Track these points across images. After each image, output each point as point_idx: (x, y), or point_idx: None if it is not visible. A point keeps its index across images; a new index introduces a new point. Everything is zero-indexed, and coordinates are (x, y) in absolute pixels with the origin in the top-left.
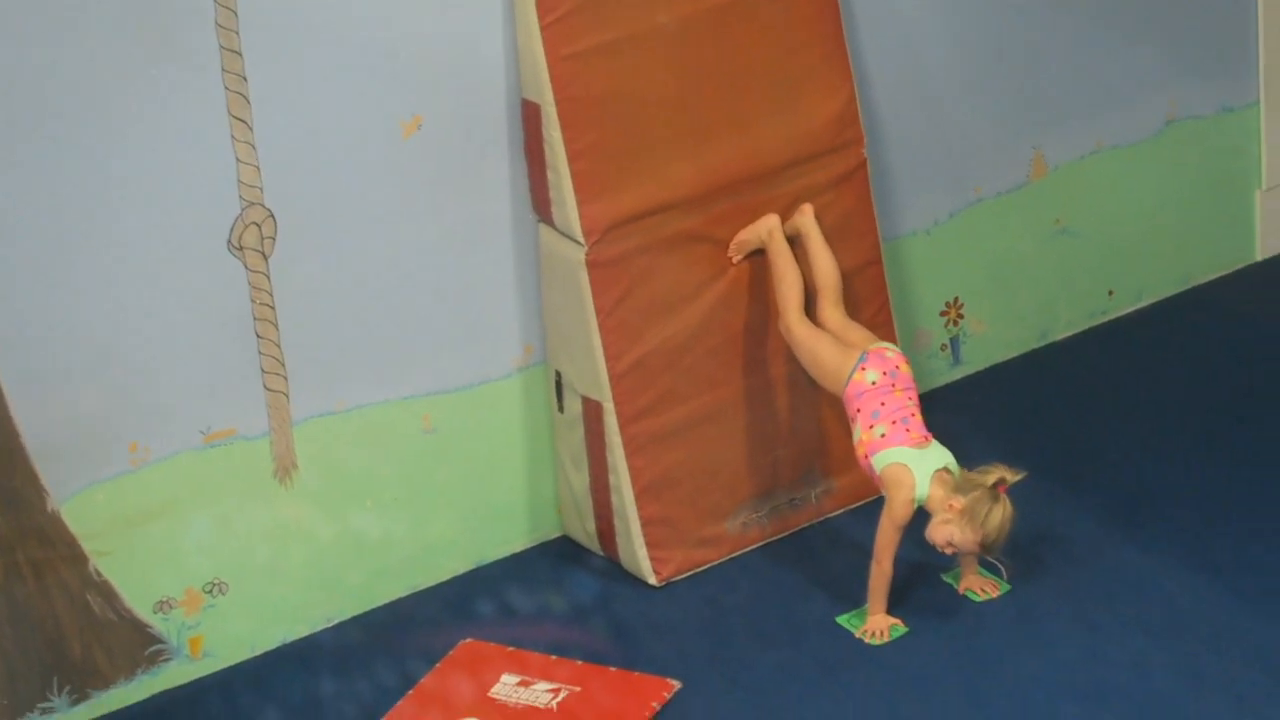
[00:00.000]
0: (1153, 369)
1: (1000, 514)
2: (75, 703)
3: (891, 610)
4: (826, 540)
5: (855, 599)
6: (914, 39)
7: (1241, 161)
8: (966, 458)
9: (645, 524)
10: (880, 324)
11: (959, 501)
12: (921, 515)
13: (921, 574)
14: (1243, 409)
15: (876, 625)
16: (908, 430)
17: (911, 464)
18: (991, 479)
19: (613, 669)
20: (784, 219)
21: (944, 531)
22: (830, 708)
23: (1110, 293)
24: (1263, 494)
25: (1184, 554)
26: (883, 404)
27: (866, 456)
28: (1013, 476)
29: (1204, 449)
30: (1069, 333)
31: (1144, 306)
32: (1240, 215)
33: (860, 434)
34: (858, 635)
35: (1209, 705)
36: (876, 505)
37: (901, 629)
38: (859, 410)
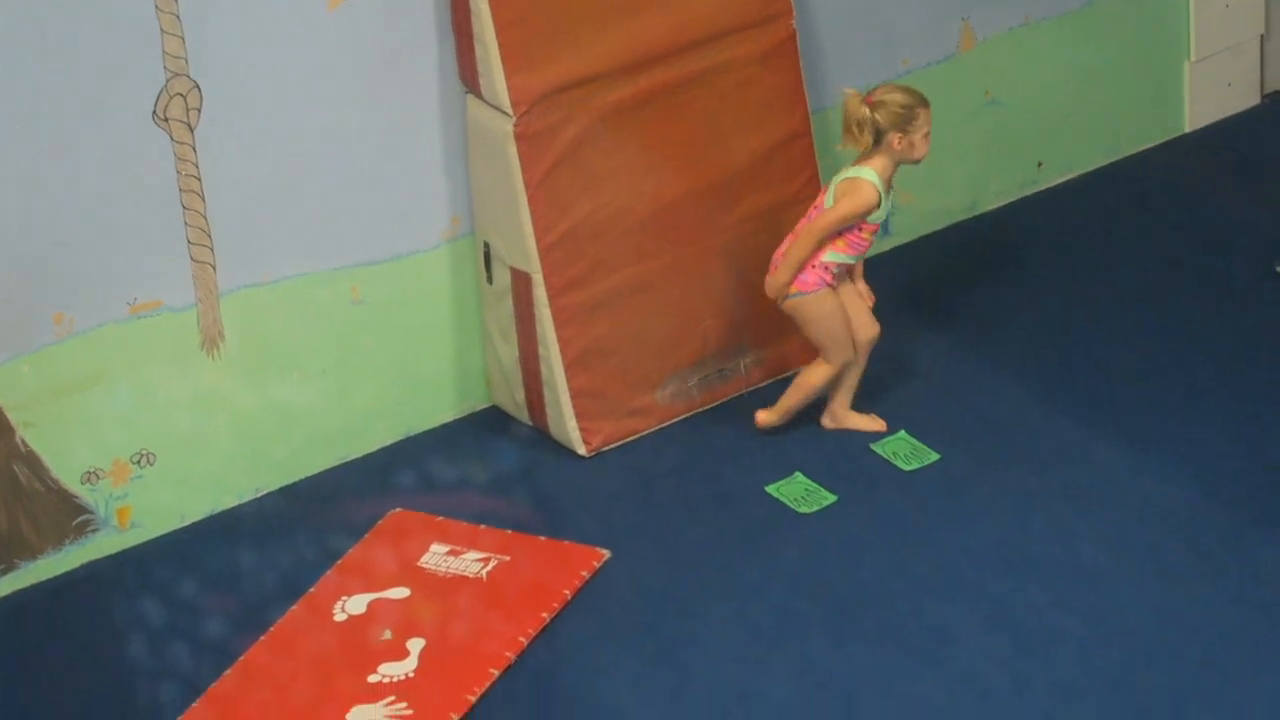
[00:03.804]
0: (1081, 240)
1: (886, 92)
2: (2, 573)
3: (819, 481)
4: (755, 409)
5: (785, 468)
6: None
7: (1170, 33)
8: (895, 327)
9: (575, 395)
10: (809, 195)
11: (894, 136)
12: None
13: (848, 444)
14: (1169, 279)
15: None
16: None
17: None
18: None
19: (542, 538)
20: (718, 90)
21: (921, 147)
22: (756, 576)
23: (1039, 164)
24: (1188, 364)
25: (1111, 424)
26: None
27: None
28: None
29: (1131, 319)
30: (998, 204)
31: (1073, 178)
32: (1169, 87)
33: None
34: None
35: (1133, 576)
36: None
37: (830, 498)
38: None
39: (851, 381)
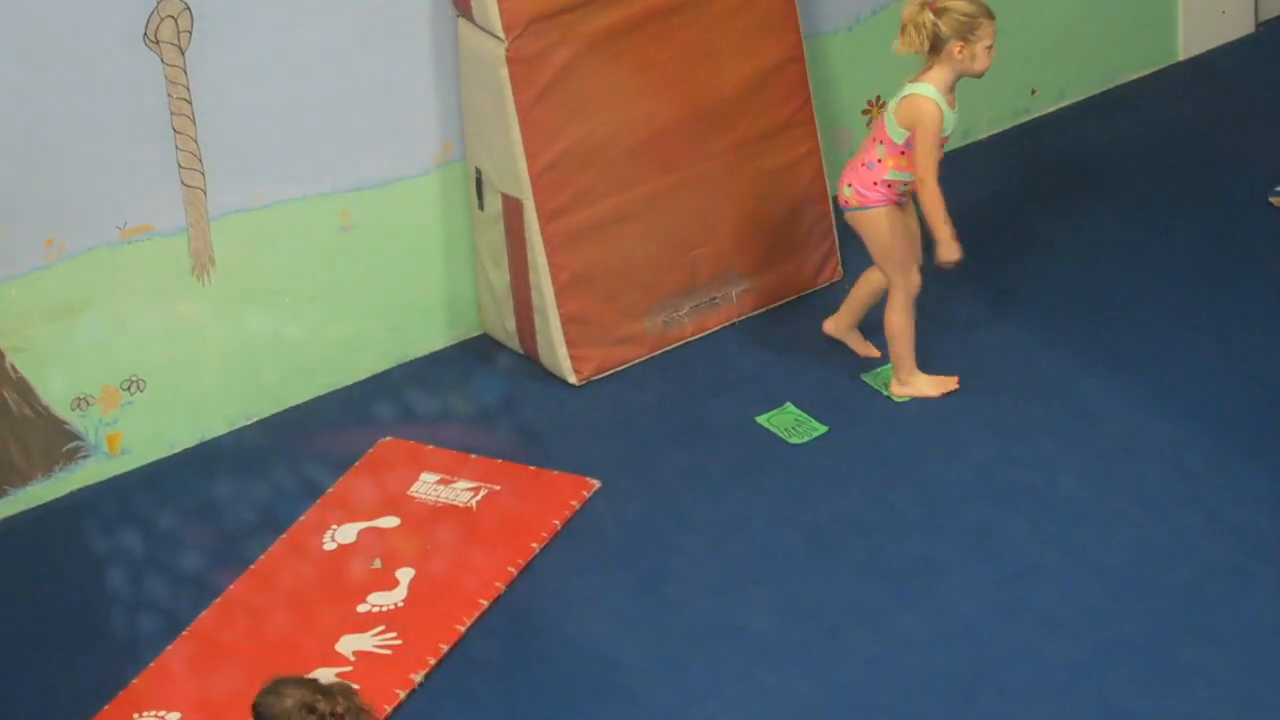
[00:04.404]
0: (1074, 168)
1: None
2: None
3: (808, 410)
4: (747, 340)
5: (775, 399)
6: None
7: None
8: None
9: (565, 322)
10: (801, 121)
11: (955, 44)
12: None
13: (838, 375)
14: (1161, 208)
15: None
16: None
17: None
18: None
19: (532, 468)
20: (710, 14)
21: (983, 59)
22: (743, 508)
23: (1033, 91)
24: (1177, 293)
25: (1098, 354)
26: None
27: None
28: None
29: (1124, 250)
30: (992, 131)
31: (1067, 105)
32: (1163, 15)
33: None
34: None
35: (1116, 506)
36: (796, 305)
37: (821, 428)
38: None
39: (867, 305)
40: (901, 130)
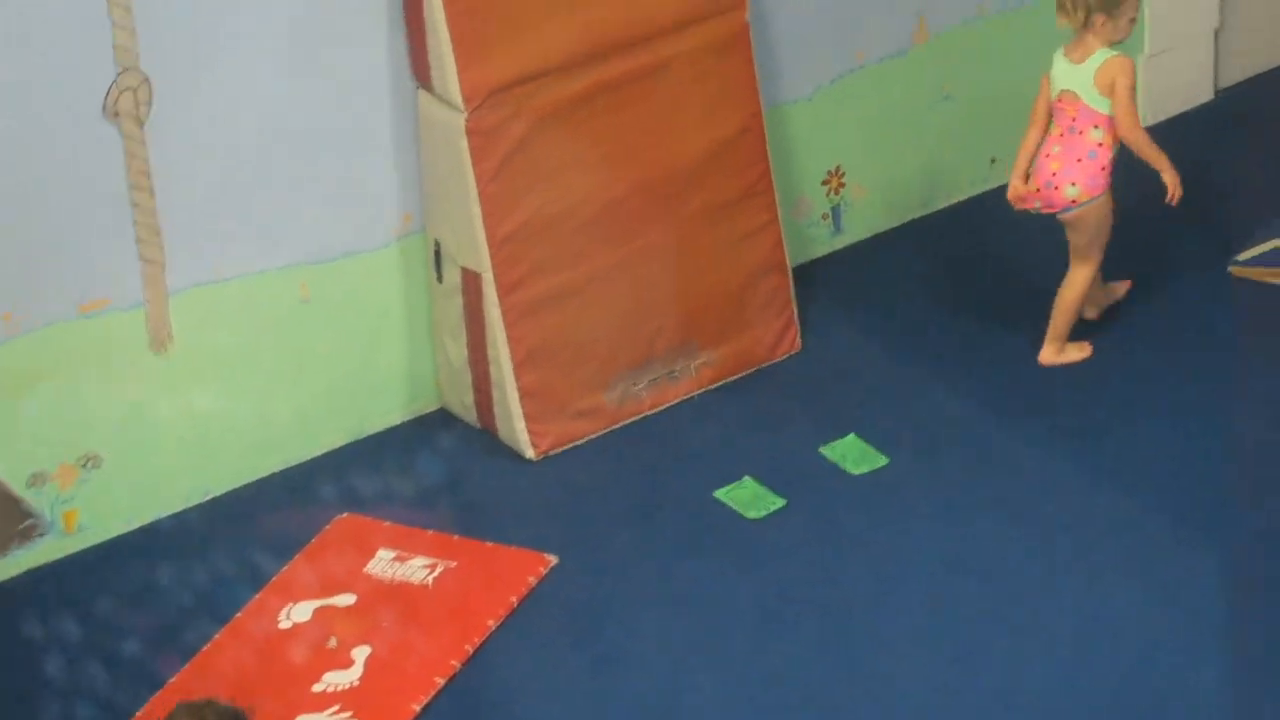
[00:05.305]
0: (1034, 237)
1: None
2: None
3: (768, 485)
4: (706, 413)
5: (733, 473)
6: None
7: None
8: (848, 327)
9: (523, 395)
10: (760, 192)
11: (1099, 17)
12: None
13: (797, 448)
14: (1122, 277)
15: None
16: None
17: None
18: None
19: (489, 543)
20: (669, 84)
21: (1125, 30)
22: (700, 584)
23: (992, 160)
24: (1130, 367)
25: (1052, 430)
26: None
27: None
28: None
29: (1079, 321)
30: (951, 201)
31: None
32: None
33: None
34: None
35: (1065, 582)
36: (755, 377)
37: (779, 502)
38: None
39: (1097, 300)
40: (1105, 99)
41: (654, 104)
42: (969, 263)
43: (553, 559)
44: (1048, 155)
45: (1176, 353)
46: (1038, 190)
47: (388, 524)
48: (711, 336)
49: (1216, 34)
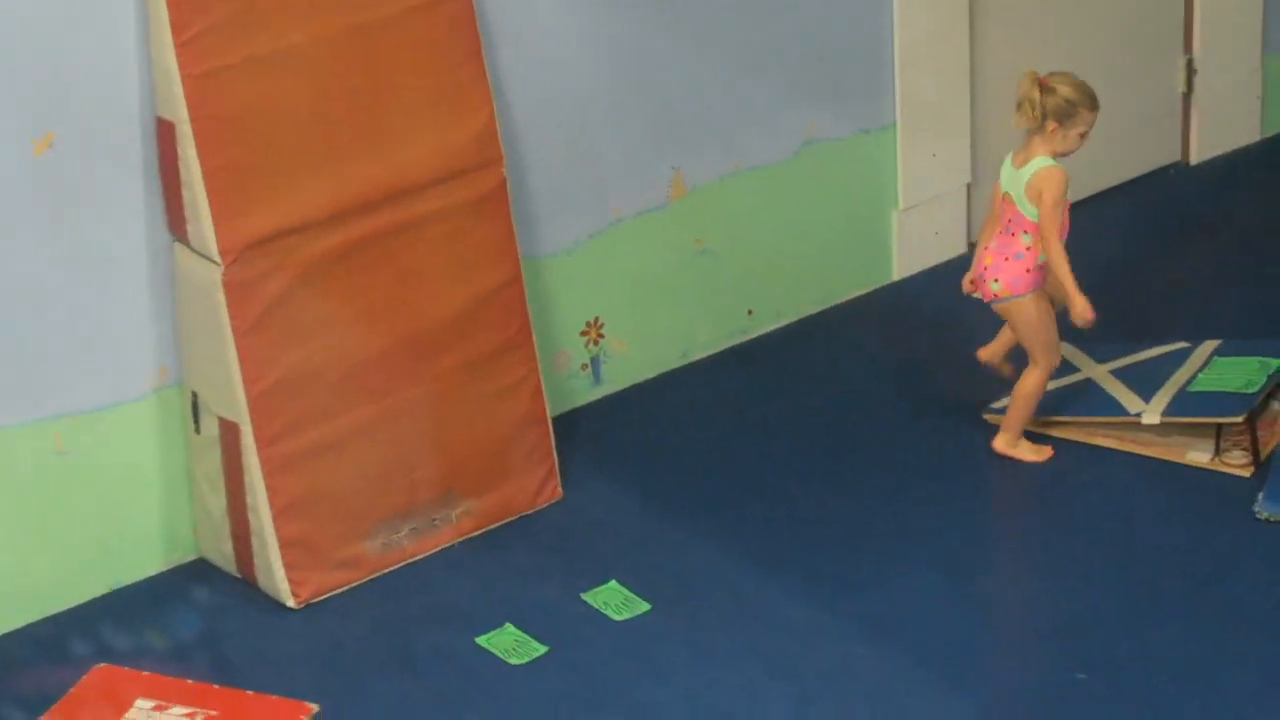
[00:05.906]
0: (791, 388)
1: (1060, 80)
2: None
3: (530, 631)
4: (468, 562)
5: (495, 620)
6: (553, 60)
7: (878, 182)
8: (607, 476)
9: (283, 545)
10: (519, 345)
11: (1051, 124)
12: None
13: (559, 595)
14: (878, 427)
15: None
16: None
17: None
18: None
19: (250, 693)
20: (427, 240)
21: (1073, 144)
22: None
23: (750, 312)
24: (897, 517)
25: (811, 581)
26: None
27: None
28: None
29: (839, 470)
30: (709, 352)
31: (784, 325)
32: (878, 235)
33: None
34: None
35: None
36: (516, 525)
37: (541, 649)
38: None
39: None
40: (1033, 207)
41: (411, 259)
42: (726, 414)
43: (314, 707)
44: (985, 248)
45: (936, 501)
46: (975, 279)
47: (146, 674)
48: (473, 486)
49: (970, 189)
